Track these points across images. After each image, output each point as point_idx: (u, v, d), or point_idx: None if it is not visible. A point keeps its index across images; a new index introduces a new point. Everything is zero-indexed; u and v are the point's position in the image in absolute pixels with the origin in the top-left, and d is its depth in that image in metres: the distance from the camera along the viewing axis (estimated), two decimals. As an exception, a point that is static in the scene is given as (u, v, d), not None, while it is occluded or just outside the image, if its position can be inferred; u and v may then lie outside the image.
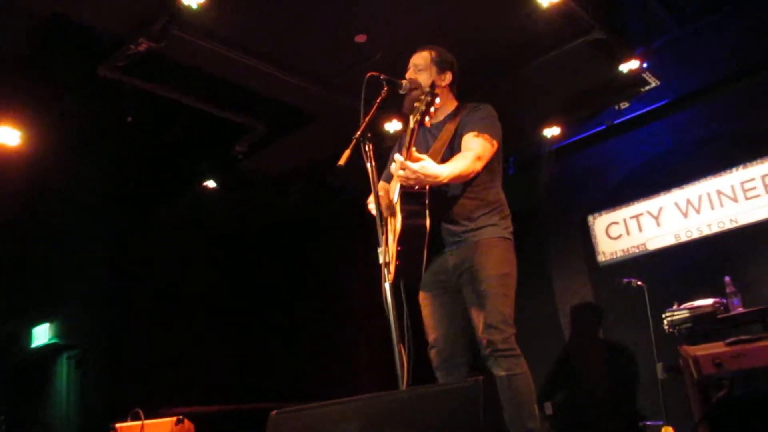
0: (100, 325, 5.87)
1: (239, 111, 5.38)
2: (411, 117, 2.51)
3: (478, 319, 2.77)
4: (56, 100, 4.79)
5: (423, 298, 3.04)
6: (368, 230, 3.17)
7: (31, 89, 4.63)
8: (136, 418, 3.83)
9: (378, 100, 2.68)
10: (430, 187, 2.68)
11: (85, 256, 6.03)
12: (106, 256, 5.96)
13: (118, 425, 3.83)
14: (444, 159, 2.83)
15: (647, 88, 5.82)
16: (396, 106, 3.15)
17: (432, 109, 2.45)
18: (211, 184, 6.23)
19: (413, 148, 2.54)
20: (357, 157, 2.54)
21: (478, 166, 2.77)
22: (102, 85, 4.68)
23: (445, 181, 2.59)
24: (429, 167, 2.51)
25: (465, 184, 2.90)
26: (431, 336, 2.99)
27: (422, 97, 2.46)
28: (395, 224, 2.80)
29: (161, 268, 6.02)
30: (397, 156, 2.50)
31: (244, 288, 6.56)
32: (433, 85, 2.46)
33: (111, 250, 5.95)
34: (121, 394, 5.38)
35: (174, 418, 3.84)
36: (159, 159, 5.82)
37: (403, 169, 2.48)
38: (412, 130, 2.50)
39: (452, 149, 2.90)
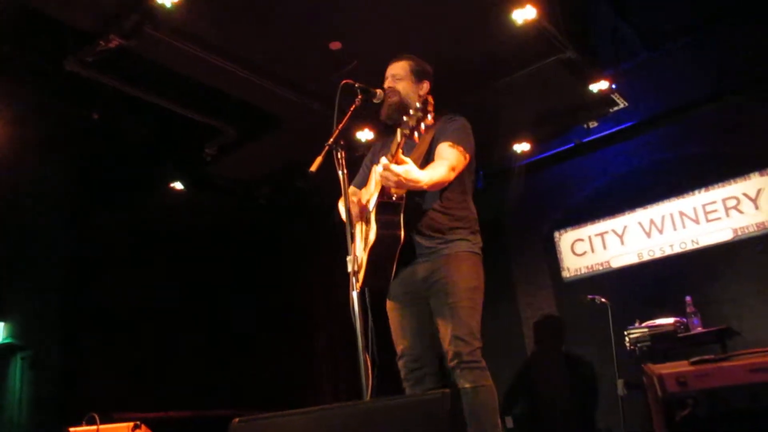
0: (56, 327, 5.71)
1: (210, 113, 5.32)
2: (399, 130, 2.52)
3: (446, 330, 2.78)
4: (20, 94, 4.67)
5: (391, 308, 3.04)
6: (336, 237, 3.15)
7: (-5, 82, 4.52)
8: (92, 422, 3.73)
9: (352, 108, 2.69)
10: (406, 200, 2.70)
11: (44, 255, 5.86)
12: (64, 255, 5.80)
13: (72, 429, 3.72)
14: (421, 168, 2.84)
15: (615, 108, 5.91)
16: (369, 115, 3.15)
17: (423, 126, 2.45)
18: (178, 186, 6.14)
19: (400, 151, 2.56)
20: (328, 165, 2.53)
21: (452, 176, 2.79)
22: (69, 81, 4.58)
23: (425, 186, 2.62)
24: (412, 171, 2.54)
25: (438, 198, 2.91)
26: (399, 346, 2.99)
27: (412, 113, 2.47)
28: (367, 232, 2.79)
29: (121, 270, 5.89)
30: (383, 159, 2.52)
31: (205, 292, 6.46)
32: (425, 101, 2.47)
33: (70, 250, 5.80)
34: (75, 398, 5.23)
35: (131, 424, 3.75)
36: (125, 159, 5.71)
37: (387, 171, 2.50)
38: (398, 143, 2.51)
39: (428, 159, 2.91)
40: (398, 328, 2.99)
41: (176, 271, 6.25)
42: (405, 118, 2.48)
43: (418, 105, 2.44)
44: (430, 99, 2.52)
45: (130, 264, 5.99)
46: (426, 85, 3.10)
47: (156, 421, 4.07)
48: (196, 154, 5.80)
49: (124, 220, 6.05)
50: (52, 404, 5.41)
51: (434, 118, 3.10)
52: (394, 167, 2.50)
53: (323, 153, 2.50)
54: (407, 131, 2.45)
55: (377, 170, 2.59)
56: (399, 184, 2.54)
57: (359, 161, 3.48)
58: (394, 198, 2.71)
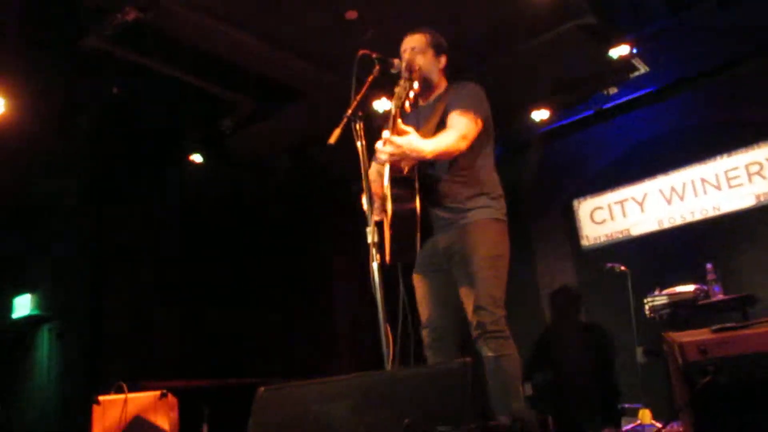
0: (82, 298, 5.80)
1: (227, 86, 5.32)
2: (393, 101, 2.51)
3: (469, 301, 2.79)
4: (40, 70, 4.70)
5: (416, 279, 3.07)
6: (356, 209, 3.16)
7: (14, 59, 4.54)
8: (120, 391, 3.82)
9: (369, 79, 2.66)
10: (419, 171, 2.69)
11: (68, 229, 5.94)
12: (87, 228, 5.87)
13: (101, 398, 3.81)
14: None
15: (636, 74, 5.81)
16: (386, 85, 3.13)
17: (411, 95, 2.44)
18: (197, 158, 6.17)
19: (399, 121, 2.54)
20: (346, 137, 2.52)
21: (463, 144, 2.76)
22: (87, 57, 4.60)
23: (429, 156, 2.60)
24: (414, 141, 2.52)
25: (452, 166, 2.89)
26: (423, 316, 3.02)
27: (401, 83, 2.46)
28: (387, 208, 2.80)
29: (143, 242, 5.95)
30: (384, 132, 2.51)
31: (228, 264, 6.53)
32: (410, 70, 2.46)
33: (92, 222, 5.87)
34: (103, 368, 5.34)
35: (158, 392, 3.83)
36: (144, 133, 5.74)
37: (388, 143, 2.49)
38: (393, 116, 2.50)
39: (441, 130, 2.89)
40: (422, 298, 3.02)
41: (200, 244, 6.32)
42: (396, 90, 2.47)
43: (406, 76, 2.44)
44: (417, 66, 2.51)
45: (154, 236, 6.06)
46: (443, 59, 3.07)
47: (182, 389, 4.15)
48: (215, 127, 5.81)
49: (146, 193, 6.10)
50: (80, 374, 5.53)
51: (446, 88, 3.09)
52: (395, 139, 2.49)
53: (341, 124, 2.49)
54: (398, 103, 2.44)
55: (378, 146, 2.58)
56: (402, 156, 2.52)
57: (378, 132, 3.47)
58: (405, 171, 2.70)
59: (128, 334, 5.59)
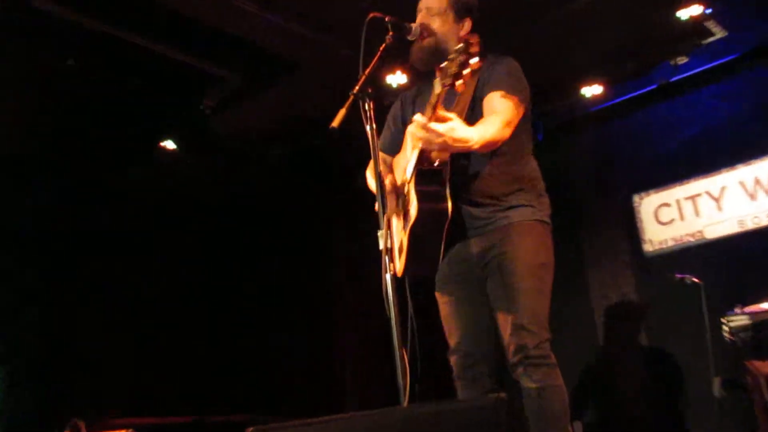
0: (32, 321, 5.81)
1: (209, 57, 5.33)
2: (437, 80, 2.50)
3: (506, 319, 2.78)
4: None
5: (441, 295, 3.07)
6: (364, 207, 3.16)
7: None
8: (75, 430, 3.83)
9: (381, 48, 2.67)
10: (451, 164, 2.69)
11: (11, 235, 5.91)
12: (36, 233, 5.87)
13: (55, 438, 3.82)
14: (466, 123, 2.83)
15: (710, 39, 5.77)
16: (401, 54, 3.13)
17: (466, 71, 2.42)
18: (170, 145, 6.20)
19: (441, 106, 2.54)
20: (353, 118, 2.52)
21: (507, 133, 2.77)
22: (35, 21, 4.61)
23: (475, 147, 2.60)
24: (459, 130, 2.51)
25: (489, 156, 2.90)
26: (451, 340, 3.02)
27: (453, 56, 2.43)
28: (406, 207, 2.80)
29: (104, 251, 5.97)
30: (417, 117, 2.50)
31: (207, 276, 6.56)
32: (467, 42, 2.42)
33: (44, 227, 5.88)
34: (57, 404, 5.37)
35: (124, 431, 3.84)
36: (108, 113, 5.76)
37: (425, 131, 2.49)
38: (438, 95, 2.49)
39: (474, 112, 2.88)
40: (449, 319, 3.02)
41: (172, 252, 6.35)
42: (445, 64, 2.44)
43: (460, 46, 2.40)
44: (474, 38, 2.48)
45: (117, 245, 6.08)
46: (468, 24, 3.06)
47: (154, 427, 4.16)
48: (193, 106, 5.83)
49: (109, 188, 6.12)
50: (31, 411, 5.54)
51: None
52: (435, 126, 2.47)
53: (347, 104, 2.49)
54: (448, 81, 2.42)
55: (412, 131, 2.57)
56: (443, 146, 2.52)
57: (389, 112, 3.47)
58: (435, 164, 2.71)
59: (92, 363, 5.61)
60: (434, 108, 2.55)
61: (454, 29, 3.04)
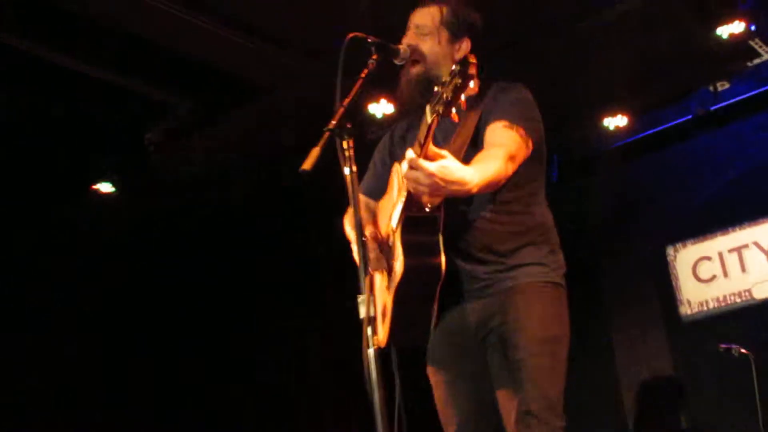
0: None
1: (154, 81, 5.34)
2: (428, 108, 2.49)
3: (510, 403, 2.75)
4: None
5: (434, 372, 3.02)
6: (342, 264, 3.14)
7: None
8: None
9: (363, 74, 2.66)
10: (444, 210, 2.67)
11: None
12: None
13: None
14: (466, 162, 2.81)
15: (757, 61, 5.84)
16: (388, 79, 3.13)
17: (463, 98, 2.41)
18: (105, 188, 6.17)
19: (431, 141, 2.53)
20: (329, 157, 2.51)
21: (510, 169, 2.74)
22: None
23: (474, 190, 2.58)
24: (453, 169, 2.47)
25: (492, 202, 2.88)
26: (448, 426, 2.98)
27: (447, 79, 2.43)
28: (390, 261, 2.77)
29: (32, 305, 6.05)
30: (408, 152, 2.48)
31: (153, 336, 6.64)
32: (465, 62, 2.42)
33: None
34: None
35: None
36: (32, 148, 5.75)
37: (415, 169, 2.47)
38: (429, 126, 2.48)
39: (476, 149, 2.88)
40: (445, 402, 2.98)
41: (113, 311, 6.39)
42: (437, 89, 2.44)
43: (455, 67, 2.40)
44: (472, 57, 2.48)
45: (45, 298, 6.13)
46: (465, 45, 3.05)
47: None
48: (134, 141, 5.82)
49: (31, 238, 6.10)
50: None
51: (480, 89, 3.08)
52: (425, 164, 2.44)
53: (322, 141, 2.47)
54: (441, 108, 2.41)
55: (401, 170, 2.56)
56: (434, 188, 2.48)
57: (372, 148, 3.46)
58: (427, 209, 2.68)
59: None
60: (424, 142, 2.52)
61: (449, 52, 3.03)
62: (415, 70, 2.96)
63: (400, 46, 2.88)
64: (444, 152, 2.50)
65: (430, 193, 2.51)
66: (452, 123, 3.00)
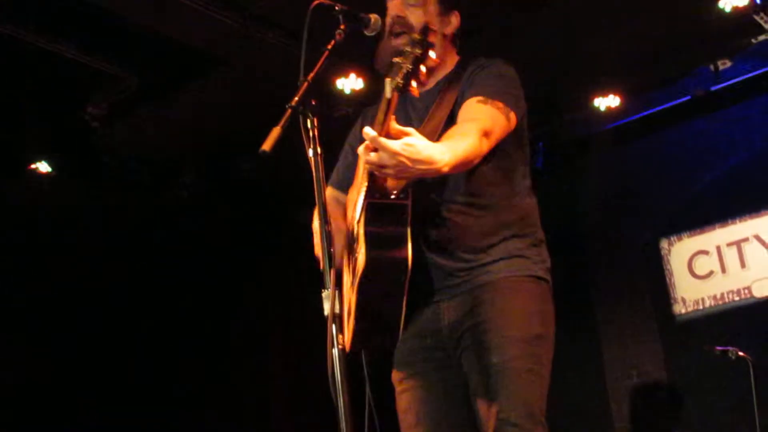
0: None
1: (96, 50, 5.29)
2: (387, 81, 2.47)
3: (488, 411, 2.74)
4: None
5: (399, 378, 3.01)
6: (306, 258, 3.13)
7: None
8: None
9: (330, 45, 2.65)
10: (412, 196, 2.65)
11: None
12: None
13: None
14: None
15: (762, 38, 5.87)
16: (358, 52, 3.13)
17: (423, 69, 2.41)
18: (43, 167, 6.13)
19: (392, 119, 2.51)
20: (292, 136, 2.50)
21: (485, 146, 2.72)
22: None
23: (446, 170, 2.56)
24: (420, 147, 2.46)
25: (466, 187, 2.88)
26: None
27: (407, 49, 2.42)
28: (355, 254, 2.77)
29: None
30: (366, 129, 2.46)
31: (91, 330, 6.67)
32: (425, 30, 2.42)
33: None
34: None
35: None
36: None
37: (376, 150, 2.44)
38: (389, 101, 2.45)
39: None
40: (411, 411, 2.96)
41: (51, 302, 6.38)
42: (396, 59, 2.43)
43: (414, 35, 2.40)
44: (432, 25, 2.47)
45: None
46: (455, 19, 3.07)
47: None
48: (75, 116, 5.77)
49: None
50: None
51: (458, 66, 3.09)
52: (387, 143, 2.42)
53: (283, 120, 2.46)
54: (400, 81, 2.40)
55: (360, 151, 2.54)
56: (400, 169, 2.44)
57: (341, 129, 3.46)
58: (392, 195, 2.66)
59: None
60: (385, 119, 2.49)
61: (440, 23, 3.04)
62: (400, 41, 2.94)
63: (372, 16, 2.87)
64: (409, 129, 2.49)
65: (396, 174, 2.48)
66: (426, 101, 3.01)
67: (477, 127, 2.69)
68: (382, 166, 2.43)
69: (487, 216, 2.94)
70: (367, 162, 2.47)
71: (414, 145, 2.42)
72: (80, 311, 6.78)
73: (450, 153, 2.52)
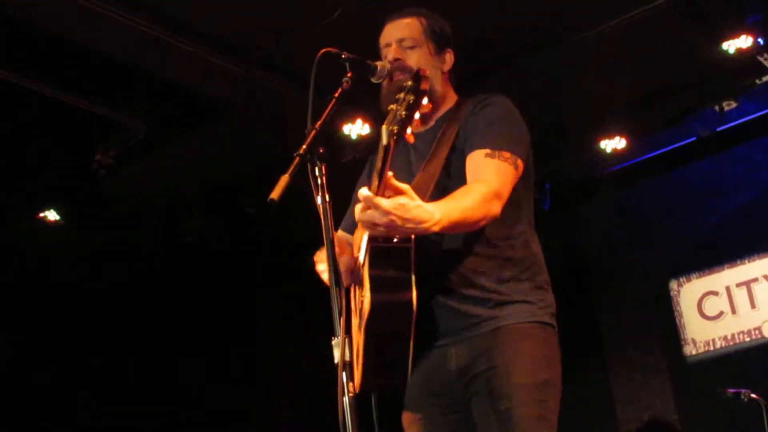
0: None
1: (105, 99, 5.32)
2: (384, 128, 2.48)
3: (496, 457, 2.74)
4: None
5: (410, 423, 3.00)
6: (317, 303, 3.13)
7: None
8: None
9: (336, 94, 2.65)
10: (416, 239, 2.64)
11: None
12: None
13: None
14: (440, 190, 2.80)
15: (766, 78, 5.88)
16: (364, 98, 3.14)
17: (417, 115, 2.42)
18: (51, 215, 6.15)
19: (389, 174, 2.51)
20: (300, 184, 2.51)
21: (496, 208, 2.72)
22: None
23: (436, 228, 2.55)
24: (410, 206, 2.45)
25: (473, 231, 2.87)
26: None
27: (401, 95, 2.44)
28: (361, 299, 2.76)
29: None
30: (362, 190, 2.46)
31: (91, 330, 6.75)
32: (418, 77, 2.44)
33: None
34: None
35: None
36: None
37: (369, 209, 2.44)
38: (386, 148, 2.46)
39: (451, 173, 2.88)
40: None
41: (61, 348, 6.45)
42: (391, 106, 2.44)
43: (408, 83, 2.42)
44: (423, 71, 2.50)
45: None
46: (449, 57, 3.08)
47: None
48: (83, 164, 5.79)
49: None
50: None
51: (458, 105, 3.10)
52: (380, 202, 2.42)
53: (292, 167, 2.46)
54: (395, 127, 2.40)
55: (356, 211, 2.53)
56: (391, 228, 2.45)
57: (348, 173, 3.46)
58: (395, 239, 2.65)
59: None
60: (383, 166, 2.47)
61: (436, 63, 3.06)
62: (403, 77, 2.95)
63: (378, 64, 2.89)
64: (404, 186, 2.49)
65: (387, 232, 2.49)
66: (425, 142, 3.02)
67: (486, 190, 2.69)
68: (374, 224, 2.44)
69: (491, 256, 2.92)
70: (359, 220, 2.48)
71: (404, 205, 2.41)
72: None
73: (441, 213, 2.50)
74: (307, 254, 3.13)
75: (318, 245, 2.74)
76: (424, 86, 2.42)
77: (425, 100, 2.41)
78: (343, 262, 2.94)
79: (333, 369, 2.52)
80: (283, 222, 6.41)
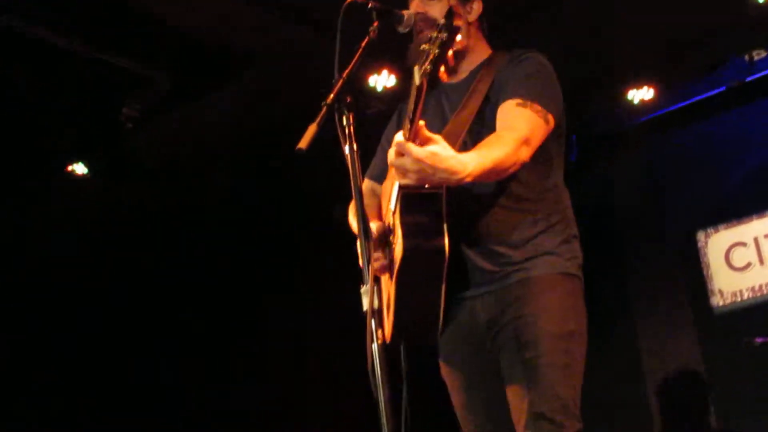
0: None
1: (129, 52, 5.33)
2: (416, 69, 2.46)
3: (521, 404, 2.75)
4: None
5: (447, 372, 3.04)
6: (345, 253, 3.15)
7: None
8: None
9: (363, 44, 2.66)
10: (448, 187, 2.65)
11: None
12: None
13: None
14: (472, 139, 2.81)
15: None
16: (390, 49, 3.14)
17: (450, 53, 2.42)
18: (79, 169, 6.20)
19: (421, 122, 2.51)
20: (328, 133, 2.51)
21: (524, 154, 2.73)
22: None
23: (470, 179, 2.55)
24: (443, 155, 2.45)
25: (502, 183, 2.88)
26: (465, 427, 3.02)
27: (433, 35, 2.42)
28: (392, 246, 2.78)
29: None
30: (397, 135, 2.47)
31: (129, 336, 6.80)
32: (450, 14, 2.42)
33: None
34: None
35: None
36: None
37: (402, 155, 2.45)
38: (419, 88, 2.45)
39: (484, 123, 2.88)
40: (461, 401, 3.00)
41: (88, 306, 6.59)
42: (423, 47, 2.42)
43: (441, 21, 2.40)
44: (456, 8, 2.46)
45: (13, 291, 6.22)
46: (477, 6, 3.08)
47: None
48: (110, 118, 5.82)
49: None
50: None
51: (491, 58, 3.09)
52: (412, 149, 2.42)
53: (319, 117, 2.47)
54: (428, 66, 2.38)
55: (389, 156, 2.53)
56: (422, 176, 2.45)
57: (374, 126, 3.47)
58: (426, 186, 2.65)
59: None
60: (415, 108, 2.40)
61: (461, 11, 3.05)
62: (425, 33, 2.95)
63: (405, 12, 2.88)
64: (436, 137, 2.49)
65: (417, 180, 2.49)
66: (458, 93, 3.01)
67: (516, 136, 2.71)
68: (404, 171, 2.45)
69: (522, 210, 2.95)
70: (391, 164, 2.48)
71: (437, 154, 2.42)
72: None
73: (474, 164, 2.51)
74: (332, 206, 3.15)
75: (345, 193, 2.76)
76: (457, 22, 2.41)
77: (459, 37, 2.41)
78: (372, 212, 2.97)
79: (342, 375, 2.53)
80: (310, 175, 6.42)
